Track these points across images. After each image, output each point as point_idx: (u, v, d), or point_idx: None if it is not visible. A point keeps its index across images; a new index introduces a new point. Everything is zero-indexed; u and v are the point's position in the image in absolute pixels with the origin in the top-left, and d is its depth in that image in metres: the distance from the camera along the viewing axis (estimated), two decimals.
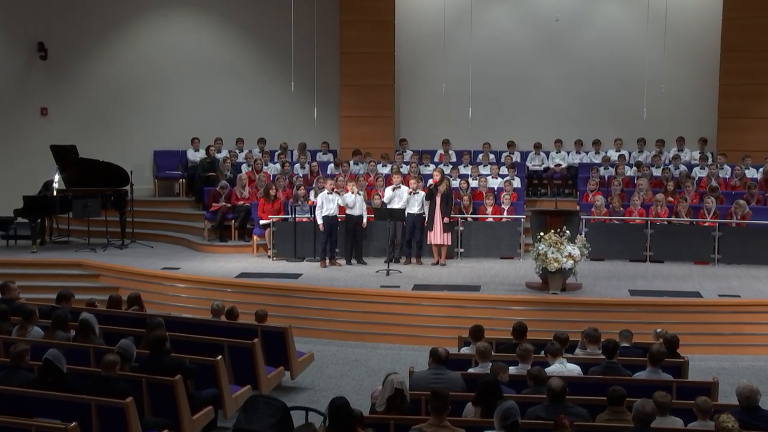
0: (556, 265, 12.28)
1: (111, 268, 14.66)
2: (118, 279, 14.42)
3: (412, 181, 14.93)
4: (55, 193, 16.28)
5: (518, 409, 6.34)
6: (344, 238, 14.79)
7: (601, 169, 17.33)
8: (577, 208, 15.85)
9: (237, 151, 18.43)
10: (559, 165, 18.27)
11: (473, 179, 16.71)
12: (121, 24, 19.01)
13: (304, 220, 15.22)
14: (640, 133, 18.28)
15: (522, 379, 7.82)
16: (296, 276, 13.85)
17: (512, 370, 8.07)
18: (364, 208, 14.78)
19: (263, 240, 15.56)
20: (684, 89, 18.56)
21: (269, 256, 15.24)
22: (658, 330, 9.39)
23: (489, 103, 18.88)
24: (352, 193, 14.64)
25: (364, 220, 14.77)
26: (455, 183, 16.17)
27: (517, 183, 16.83)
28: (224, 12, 19.21)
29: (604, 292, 12.77)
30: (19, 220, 16.13)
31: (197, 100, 19.06)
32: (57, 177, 16.54)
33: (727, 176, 16.82)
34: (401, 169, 16.75)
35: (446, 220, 14.48)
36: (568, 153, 18.54)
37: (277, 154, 18.34)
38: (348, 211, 14.71)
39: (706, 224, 14.77)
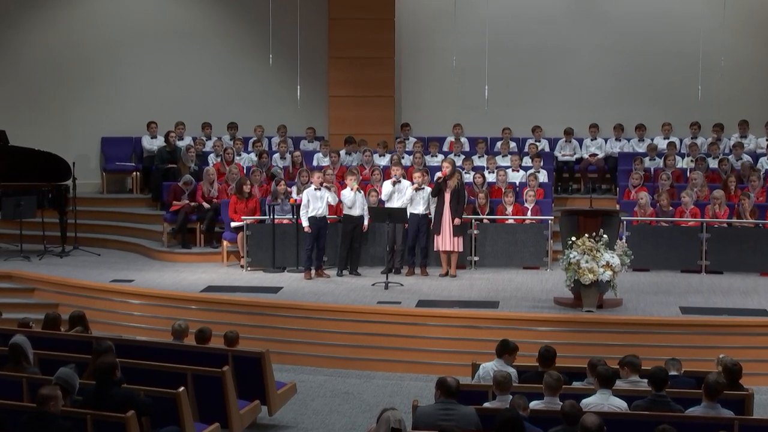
0: (591, 276, 12.27)
1: (49, 280, 14.63)
2: (57, 294, 14.40)
3: (416, 175, 14.93)
4: None
5: None
6: (339, 244, 14.80)
7: (646, 159, 17.34)
8: (617, 207, 15.84)
9: (203, 138, 18.41)
10: (595, 155, 18.28)
11: (490, 172, 16.71)
12: None
13: (285, 222, 15.21)
14: (694, 117, 18.29)
15: (549, 415, 7.81)
16: (275, 290, 13.85)
17: (538, 404, 8.06)
18: (365, 207, 14.78)
19: (235, 246, 15.55)
20: (747, 63, 18.56)
21: (242, 266, 15.24)
22: (722, 356, 9.35)
23: (509, 79, 18.88)
24: (352, 189, 14.64)
25: (365, 222, 14.77)
26: (468, 177, 16.16)
27: (543, 177, 16.84)
28: None
29: (649, 310, 12.77)
30: None
31: (155, 76, 19.04)
32: None
33: None
34: (402, 160, 16.75)
35: (457, 221, 14.48)
36: (606, 140, 18.55)
37: (251, 141, 18.34)
38: (346, 211, 14.71)
39: None
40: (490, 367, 9.06)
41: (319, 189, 14.50)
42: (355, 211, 14.69)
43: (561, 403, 8.01)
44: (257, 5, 18.49)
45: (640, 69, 18.89)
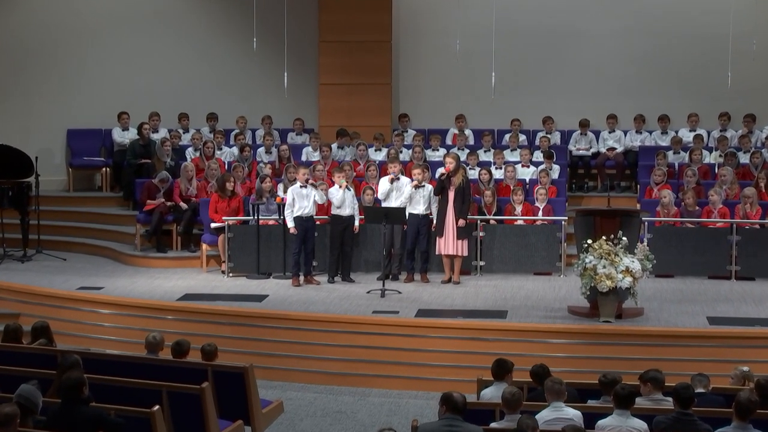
0: (608, 283, 12.28)
1: (8, 287, 14.61)
2: (18, 303, 14.38)
3: (415, 171, 14.94)
4: None
5: None
6: (328, 248, 14.80)
7: (670, 154, 17.35)
8: (638, 206, 15.87)
9: (180, 130, 18.43)
10: (613, 149, 18.31)
11: (497, 168, 16.73)
12: None
13: (271, 222, 15.21)
14: (723, 106, 18.33)
15: None
16: (260, 298, 13.87)
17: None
18: (356, 207, 14.79)
19: (215, 250, 15.56)
20: None
21: (223, 272, 15.25)
22: (744, 369, 9.35)
23: (519, 65, 18.92)
24: (340, 187, 14.65)
25: (356, 223, 14.78)
26: (473, 173, 16.17)
27: (556, 173, 16.85)
28: None
29: (673, 320, 12.79)
30: None
31: (127, 62, 19.04)
32: None
33: None
34: (401, 155, 16.76)
35: (462, 223, 14.50)
36: (626, 133, 18.57)
37: (233, 134, 18.34)
38: (335, 211, 14.73)
39: None
40: (491, 394, 9.03)
41: (305, 186, 14.51)
42: (345, 211, 14.69)
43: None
44: None
45: (663, 53, 18.91)
